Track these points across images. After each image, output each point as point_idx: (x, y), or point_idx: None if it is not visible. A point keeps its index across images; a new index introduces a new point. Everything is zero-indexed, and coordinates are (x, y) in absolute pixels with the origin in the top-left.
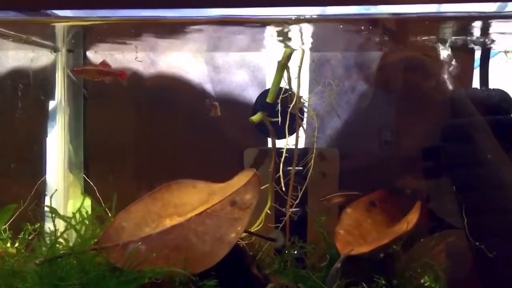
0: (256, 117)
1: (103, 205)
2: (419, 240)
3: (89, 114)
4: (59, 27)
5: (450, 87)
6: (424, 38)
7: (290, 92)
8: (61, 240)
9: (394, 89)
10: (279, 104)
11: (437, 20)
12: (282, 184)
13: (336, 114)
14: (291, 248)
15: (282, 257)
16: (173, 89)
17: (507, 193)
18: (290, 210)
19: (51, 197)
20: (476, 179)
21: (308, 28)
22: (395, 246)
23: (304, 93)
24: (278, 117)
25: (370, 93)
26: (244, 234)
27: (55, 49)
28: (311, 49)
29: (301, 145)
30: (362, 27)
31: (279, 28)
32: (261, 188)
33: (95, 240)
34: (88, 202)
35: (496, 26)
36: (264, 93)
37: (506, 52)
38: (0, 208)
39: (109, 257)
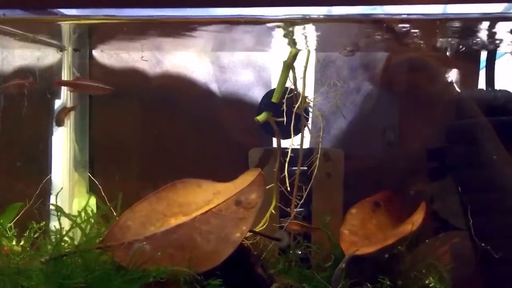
0: (261, 117)
1: (108, 204)
2: (423, 241)
3: (94, 113)
4: (65, 26)
5: (456, 88)
6: (429, 39)
7: (295, 92)
8: (66, 238)
9: (399, 90)
10: (284, 104)
11: (443, 21)
12: (287, 184)
13: (341, 114)
14: (295, 248)
15: (287, 257)
16: (179, 88)
17: (511, 194)
18: (295, 210)
19: (56, 196)
20: (480, 180)
21: (313, 28)
22: (400, 247)
23: (309, 93)
24: (283, 117)
25: (375, 93)
26: (248, 234)
27: (61, 48)
28: (317, 50)
29: (306, 145)
30: (368, 28)
31: (285, 28)
32: (266, 188)
33: (100, 238)
34: (93, 201)
35: (502, 27)
36: (270, 93)
37: None
38: (5, 206)
39: (114, 256)
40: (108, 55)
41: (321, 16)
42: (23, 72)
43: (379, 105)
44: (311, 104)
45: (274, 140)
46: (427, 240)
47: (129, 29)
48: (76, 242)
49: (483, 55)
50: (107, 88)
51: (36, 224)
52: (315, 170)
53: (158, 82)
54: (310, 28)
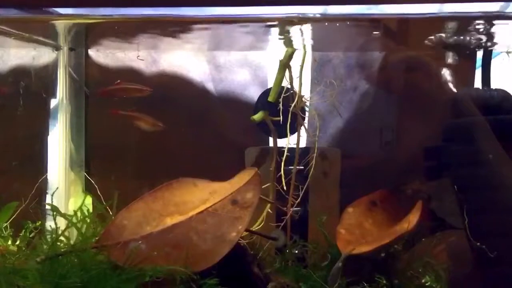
0: (257, 116)
1: (104, 203)
2: (420, 240)
3: (90, 112)
4: (61, 25)
5: (452, 87)
6: (426, 38)
7: (291, 91)
8: (62, 238)
9: (396, 89)
10: (281, 103)
11: (439, 20)
12: (283, 183)
13: (338, 113)
14: (292, 247)
15: (283, 256)
16: (175, 87)
17: (508, 193)
18: (291, 209)
19: (52, 195)
20: (477, 179)
21: (310, 28)
22: (396, 246)
23: (306, 92)
24: (280, 116)
25: (372, 93)
26: (245, 233)
27: (57, 47)
28: (313, 49)
29: (303, 144)
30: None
31: (281, 27)
32: (262, 187)
33: (96, 238)
34: (89, 200)
35: (498, 26)
36: (266, 92)
37: (508, 52)
38: (1, 206)
39: (110, 255)
40: (104, 54)
41: (317, 15)
42: None
43: (376, 104)
44: (308, 103)
45: (271, 139)
46: (423, 239)
47: (124, 28)
48: (72, 242)
49: (479, 54)
50: (146, 89)
51: (32, 223)
52: (312, 169)
53: (154, 81)
54: (306, 27)
